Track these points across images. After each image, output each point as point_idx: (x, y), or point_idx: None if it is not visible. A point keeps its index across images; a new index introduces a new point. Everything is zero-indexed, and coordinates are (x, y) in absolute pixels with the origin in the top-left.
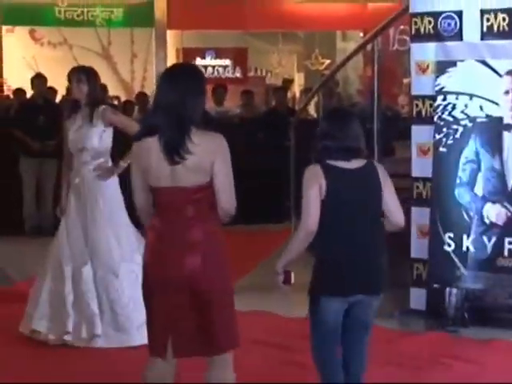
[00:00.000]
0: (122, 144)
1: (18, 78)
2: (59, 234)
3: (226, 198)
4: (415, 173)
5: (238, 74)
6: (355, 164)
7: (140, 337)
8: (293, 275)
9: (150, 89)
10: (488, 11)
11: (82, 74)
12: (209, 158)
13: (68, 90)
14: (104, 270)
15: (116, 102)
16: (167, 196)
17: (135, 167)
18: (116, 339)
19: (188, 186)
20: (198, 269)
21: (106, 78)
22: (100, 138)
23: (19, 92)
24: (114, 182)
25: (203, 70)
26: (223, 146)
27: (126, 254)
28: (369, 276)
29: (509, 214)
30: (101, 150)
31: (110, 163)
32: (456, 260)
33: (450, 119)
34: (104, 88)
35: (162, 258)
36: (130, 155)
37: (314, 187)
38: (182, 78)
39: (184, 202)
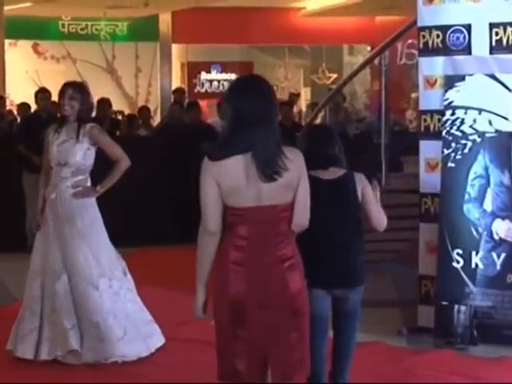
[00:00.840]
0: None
1: (21, 93)
2: (33, 250)
3: (305, 213)
4: (423, 188)
5: None
6: (333, 174)
7: (118, 352)
8: None
9: (155, 103)
10: (497, 25)
11: (75, 91)
12: (297, 173)
13: (57, 104)
14: (84, 284)
15: (120, 117)
16: (257, 215)
17: (213, 189)
18: (100, 350)
19: (278, 204)
20: (298, 287)
21: (110, 92)
22: (84, 154)
23: (23, 106)
24: (92, 202)
25: (208, 84)
26: (303, 160)
27: (104, 270)
28: (344, 273)
29: None
30: (82, 168)
31: (88, 182)
32: (465, 277)
33: (459, 134)
34: (108, 103)
35: (260, 278)
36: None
37: None
38: (266, 90)
39: (275, 220)
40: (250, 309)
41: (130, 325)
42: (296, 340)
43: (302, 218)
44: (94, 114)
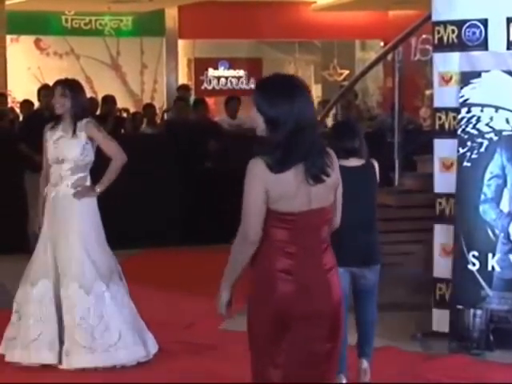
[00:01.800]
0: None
1: (23, 90)
2: (34, 253)
3: (339, 215)
4: (438, 188)
5: (252, 85)
6: (354, 163)
7: (108, 359)
8: None
9: (161, 101)
10: None
11: (65, 89)
12: (337, 173)
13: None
14: (74, 287)
15: (125, 115)
16: (306, 219)
17: (261, 196)
18: (83, 358)
19: (325, 207)
20: (339, 297)
21: (114, 89)
22: (82, 150)
23: (26, 104)
24: (92, 201)
25: (216, 81)
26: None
27: (101, 273)
28: (363, 252)
29: None
30: (81, 164)
31: (88, 180)
32: (481, 280)
33: (475, 132)
34: (112, 100)
35: (307, 287)
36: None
37: None
38: (309, 90)
39: (320, 224)
40: (294, 319)
41: (127, 329)
42: (330, 352)
43: (338, 218)
44: (98, 112)
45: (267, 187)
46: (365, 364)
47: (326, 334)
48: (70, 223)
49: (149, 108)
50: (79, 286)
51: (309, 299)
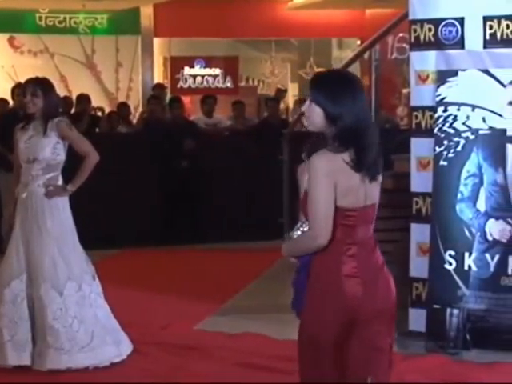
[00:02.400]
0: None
1: None
2: (6, 253)
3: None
4: (414, 188)
5: (228, 84)
6: None
7: (80, 359)
8: None
9: (136, 99)
10: (491, 18)
11: (37, 88)
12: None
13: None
14: (47, 287)
15: (100, 114)
16: (363, 215)
17: (330, 192)
18: (56, 359)
19: (375, 203)
20: (395, 291)
21: (89, 87)
22: (53, 149)
23: (1, 103)
24: (64, 201)
25: (192, 79)
26: None
27: (74, 273)
28: None
29: None
30: (53, 163)
31: (60, 180)
32: (457, 279)
33: (451, 131)
34: (87, 99)
35: (372, 286)
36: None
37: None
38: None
39: (371, 221)
40: (363, 319)
41: (99, 330)
42: (390, 346)
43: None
44: (73, 111)
45: (333, 179)
46: None
47: (385, 330)
48: (42, 223)
49: (123, 107)
50: (51, 287)
51: (375, 297)
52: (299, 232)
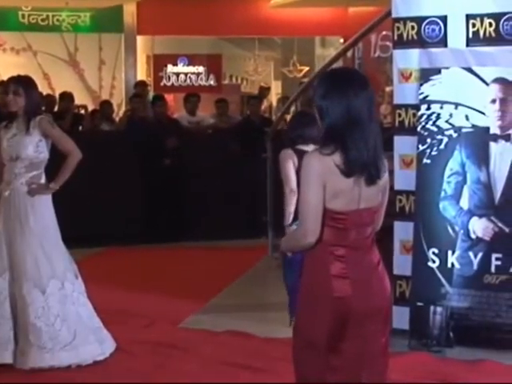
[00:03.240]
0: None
1: None
2: None
3: (383, 216)
4: (398, 185)
5: (211, 82)
6: (313, 148)
7: (63, 358)
8: None
9: (119, 97)
10: (474, 16)
11: (19, 86)
12: (387, 176)
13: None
14: (29, 286)
15: (83, 111)
16: (354, 219)
17: (319, 193)
18: (38, 357)
19: (372, 207)
20: (390, 290)
21: (72, 85)
22: (36, 147)
23: None
24: (47, 199)
25: (175, 77)
26: None
27: (56, 271)
28: None
29: (496, 228)
30: (36, 161)
31: (43, 178)
32: (440, 277)
33: (435, 129)
34: (70, 97)
35: (364, 287)
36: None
37: (290, 162)
38: (370, 86)
39: (368, 224)
40: (354, 319)
41: (82, 328)
42: (384, 345)
43: (382, 218)
44: (56, 109)
45: (323, 179)
46: None
47: (381, 329)
48: (25, 221)
49: (105, 105)
50: (34, 285)
51: (367, 297)
52: (295, 226)
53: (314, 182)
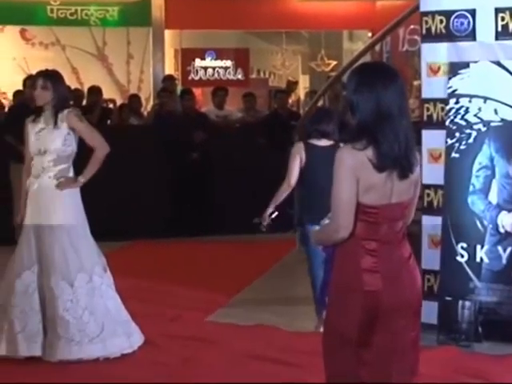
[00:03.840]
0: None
1: (8, 81)
2: (17, 245)
3: (414, 209)
4: (426, 180)
5: (239, 76)
6: (325, 143)
7: (92, 349)
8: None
9: (147, 91)
10: (503, 9)
11: (47, 81)
12: (419, 170)
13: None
14: (57, 279)
15: (111, 106)
16: (385, 213)
17: (353, 187)
18: (66, 350)
19: (404, 201)
20: (420, 284)
21: (100, 79)
22: (64, 140)
23: (19, 94)
24: (75, 193)
25: (202, 71)
26: None
27: (84, 264)
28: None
29: None
30: (63, 155)
31: (71, 172)
32: (469, 271)
33: (463, 123)
34: (98, 91)
35: (394, 280)
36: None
37: (297, 158)
38: (402, 80)
39: (399, 218)
40: (384, 313)
41: (110, 321)
42: (415, 339)
43: (412, 213)
44: (84, 103)
45: (356, 173)
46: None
47: (411, 323)
48: (54, 215)
49: (134, 99)
50: (62, 278)
51: (397, 291)
52: (327, 220)
53: (346, 177)
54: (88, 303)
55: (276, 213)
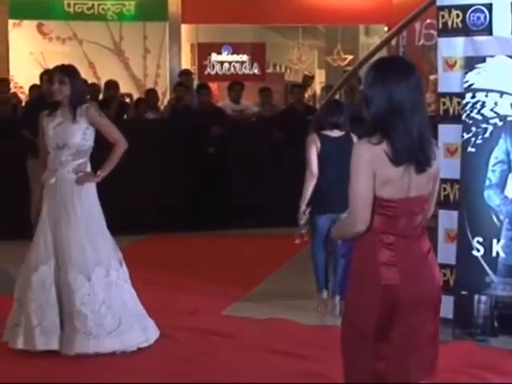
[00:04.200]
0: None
1: (26, 75)
2: (34, 239)
3: (434, 203)
4: (442, 174)
5: (255, 71)
6: (336, 134)
7: (109, 343)
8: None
9: (164, 86)
10: None
11: (64, 75)
12: (439, 164)
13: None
14: (75, 273)
15: (128, 100)
16: (404, 207)
17: (370, 180)
18: (84, 343)
19: (423, 195)
20: (439, 279)
21: (117, 74)
22: (83, 135)
23: (35, 89)
24: (91, 187)
25: (219, 66)
26: None
27: (101, 258)
28: (338, 202)
29: None
30: (82, 149)
31: (88, 166)
32: (485, 266)
33: (479, 118)
34: (115, 85)
35: (413, 274)
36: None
37: (313, 147)
38: (418, 75)
39: (418, 212)
40: (403, 308)
41: (127, 315)
42: (434, 334)
43: (432, 207)
44: (100, 97)
45: (373, 167)
46: (325, 294)
47: (429, 317)
48: (71, 209)
49: (151, 93)
50: (79, 272)
51: (415, 286)
52: (345, 214)
53: (363, 171)
54: (105, 297)
55: (309, 208)
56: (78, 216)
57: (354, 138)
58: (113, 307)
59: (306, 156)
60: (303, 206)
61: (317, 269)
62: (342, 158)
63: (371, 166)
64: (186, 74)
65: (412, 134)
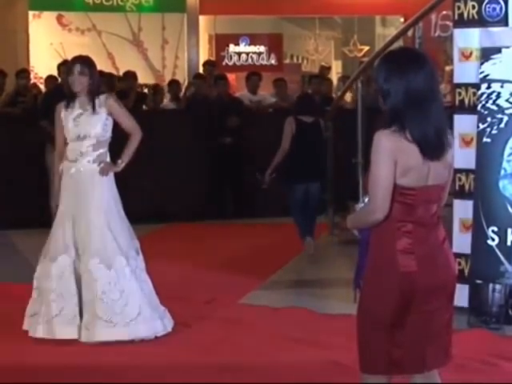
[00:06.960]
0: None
1: (45, 66)
2: (52, 229)
3: (447, 193)
4: (458, 164)
5: (272, 62)
6: (308, 119)
7: (128, 332)
8: None
9: (182, 76)
10: None
11: (84, 66)
12: (453, 153)
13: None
14: (95, 261)
15: (146, 90)
16: (425, 196)
17: (390, 170)
18: (104, 331)
19: (441, 184)
20: (455, 267)
21: (135, 65)
22: (104, 125)
23: (51, 80)
24: (110, 178)
25: (236, 57)
26: None
27: (122, 247)
28: (312, 173)
29: None
30: (102, 140)
31: (108, 156)
32: (500, 255)
33: (495, 108)
34: (134, 76)
35: (429, 262)
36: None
37: (289, 128)
38: (433, 65)
39: (435, 201)
40: (419, 295)
41: (145, 304)
42: (448, 322)
43: (446, 196)
44: (115, 88)
45: (394, 156)
46: (309, 239)
47: (445, 305)
48: (91, 198)
49: (173, 84)
50: (100, 261)
51: (432, 273)
52: (362, 204)
53: (384, 160)
54: (125, 286)
55: (274, 174)
56: (98, 205)
57: (322, 123)
58: (132, 296)
59: (283, 135)
60: (270, 170)
61: (297, 225)
62: (313, 139)
63: (392, 155)
64: (209, 64)
65: (430, 124)
